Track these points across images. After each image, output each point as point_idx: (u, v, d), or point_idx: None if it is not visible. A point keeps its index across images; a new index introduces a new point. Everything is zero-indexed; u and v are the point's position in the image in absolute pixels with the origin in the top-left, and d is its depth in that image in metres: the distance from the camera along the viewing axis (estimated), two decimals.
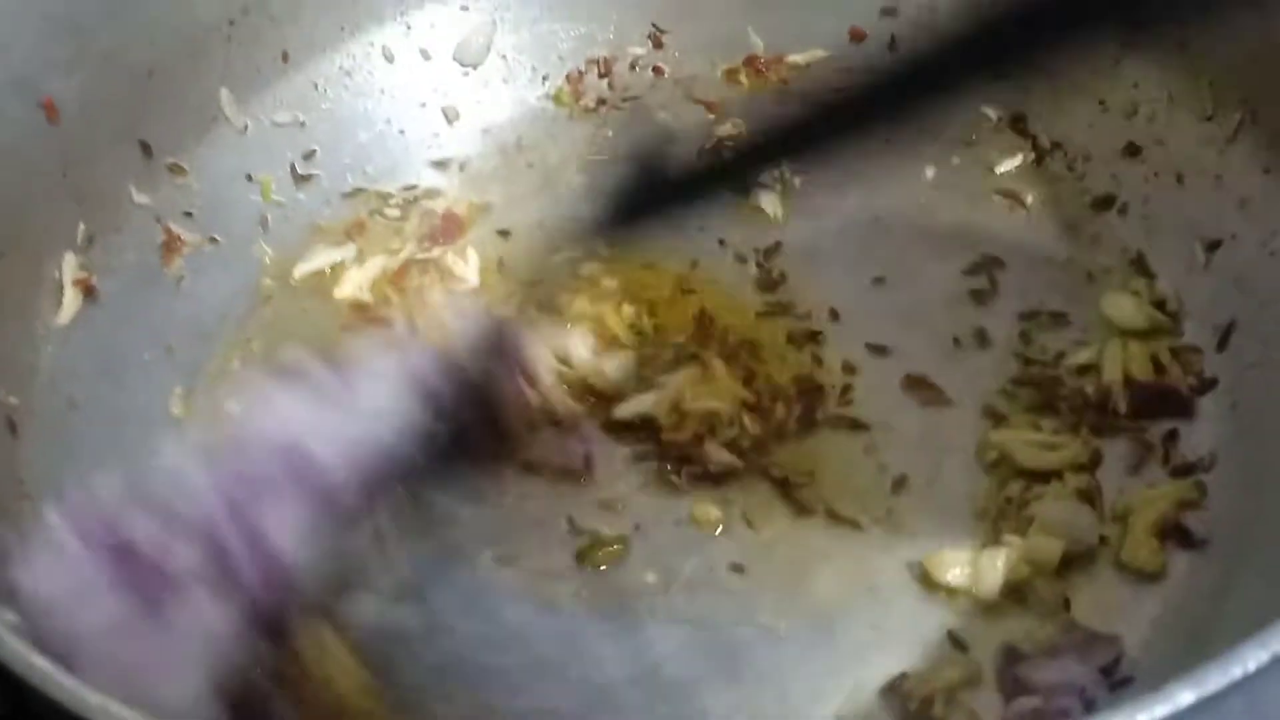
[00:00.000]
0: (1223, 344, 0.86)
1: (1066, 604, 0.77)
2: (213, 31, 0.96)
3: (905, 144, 1.02)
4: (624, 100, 1.10)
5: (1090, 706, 0.72)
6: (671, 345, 0.91)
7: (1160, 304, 0.90)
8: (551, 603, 0.80)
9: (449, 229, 1.01)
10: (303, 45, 1.02)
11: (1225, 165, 0.90)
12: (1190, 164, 0.92)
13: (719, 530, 0.83)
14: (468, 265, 0.98)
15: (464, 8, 1.09)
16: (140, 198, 0.93)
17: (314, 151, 1.03)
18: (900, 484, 0.84)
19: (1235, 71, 0.90)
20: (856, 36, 1.07)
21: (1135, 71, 0.96)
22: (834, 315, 0.93)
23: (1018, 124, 1.02)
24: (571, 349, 0.87)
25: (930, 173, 1.02)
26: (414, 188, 1.04)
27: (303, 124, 1.03)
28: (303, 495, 0.66)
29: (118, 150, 0.91)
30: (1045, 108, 1.01)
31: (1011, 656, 0.75)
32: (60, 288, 0.86)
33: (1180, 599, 0.76)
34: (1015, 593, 0.78)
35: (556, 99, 1.10)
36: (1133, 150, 0.96)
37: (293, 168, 1.01)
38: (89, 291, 0.88)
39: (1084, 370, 0.88)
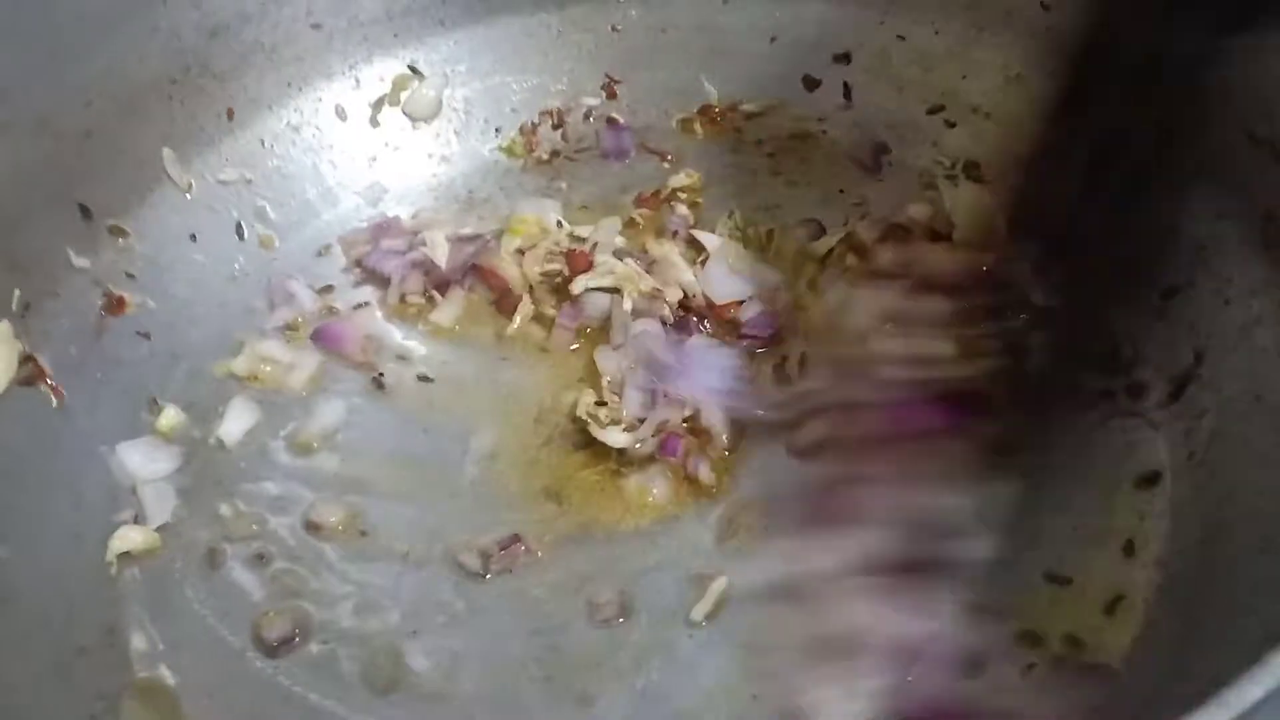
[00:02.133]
0: (1177, 394, 0.84)
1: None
2: (153, 91, 0.95)
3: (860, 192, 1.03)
4: (578, 151, 1.09)
5: None
6: None
7: (1115, 352, 0.89)
8: None
9: None
10: (249, 102, 1.01)
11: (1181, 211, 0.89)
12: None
13: None
14: None
15: (414, 61, 1.08)
16: (79, 261, 0.91)
17: (262, 209, 1.02)
18: None
19: (1188, 113, 0.89)
20: (810, 84, 1.06)
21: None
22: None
23: (972, 170, 1.01)
24: None
25: None
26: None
27: (249, 181, 1.01)
28: None
29: (55, 214, 0.90)
30: (999, 152, 0.99)
31: None
32: None
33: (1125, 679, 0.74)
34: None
35: (509, 151, 1.09)
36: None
37: (239, 226, 1.00)
38: (25, 360, 0.86)
39: None
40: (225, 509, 0.87)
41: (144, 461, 0.88)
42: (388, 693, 0.78)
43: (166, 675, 0.79)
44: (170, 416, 0.91)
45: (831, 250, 0.96)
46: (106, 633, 0.81)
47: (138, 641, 0.81)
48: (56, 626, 0.79)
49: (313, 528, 0.86)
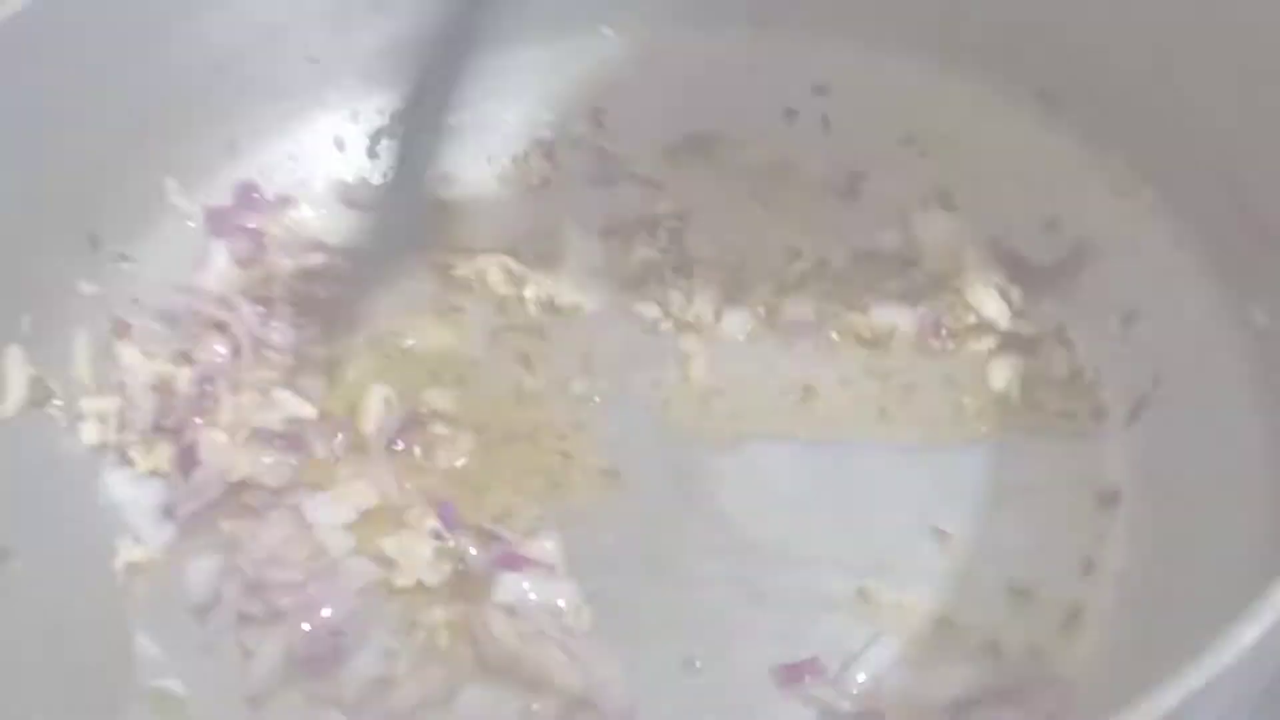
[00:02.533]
0: (1136, 415, 0.88)
1: None
2: (157, 124, 0.98)
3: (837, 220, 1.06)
4: (567, 180, 1.13)
5: None
6: None
7: (1078, 375, 0.92)
8: None
9: None
10: (248, 134, 1.05)
11: (1140, 238, 0.93)
12: (1107, 237, 0.95)
13: None
14: None
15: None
16: (88, 288, 0.95)
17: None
18: None
19: (1150, 146, 0.93)
20: (789, 115, 1.10)
21: (1053, 145, 0.99)
22: None
23: (945, 198, 1.04)
24: None
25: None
26: None
27: None
28: None
29: (64, 243, 0.94)
30: (968, 182, 1.03)
31: None
32: (4, 380, 0.88)
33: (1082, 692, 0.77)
34: None
35: (499, 180, 1.13)
36: (1052, 223, 0.98)
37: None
38: (35, 382, 0.90)
39: None
40: (226, 524, 0.91)
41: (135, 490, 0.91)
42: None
43: (175, 685, 0.83)
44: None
45: (803, 276, 1.01)
46: (116, 643, 0.84)
47: (146, 651, 0.84)
48: (66, 638, 0.83)
49: None
